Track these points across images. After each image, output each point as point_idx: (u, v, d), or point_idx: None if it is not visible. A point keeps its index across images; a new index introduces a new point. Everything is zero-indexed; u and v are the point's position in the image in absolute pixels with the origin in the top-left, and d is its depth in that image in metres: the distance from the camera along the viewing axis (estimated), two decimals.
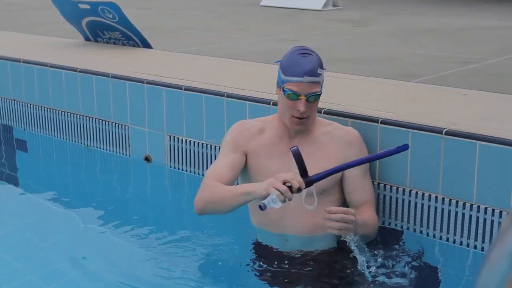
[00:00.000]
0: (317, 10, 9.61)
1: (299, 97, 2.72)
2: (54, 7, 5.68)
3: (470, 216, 2.91)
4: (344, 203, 2.91)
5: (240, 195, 2.68)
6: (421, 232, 3.06)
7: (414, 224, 3.08)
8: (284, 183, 2.53)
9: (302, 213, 2.82)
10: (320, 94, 2.76)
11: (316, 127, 2.90)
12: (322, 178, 2.62)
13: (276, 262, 2.83)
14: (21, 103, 4.83)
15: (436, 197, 2.98)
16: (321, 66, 2.75)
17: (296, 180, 2.53)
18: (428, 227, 3.04)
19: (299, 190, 2.55)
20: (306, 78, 2.71)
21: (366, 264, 2.71)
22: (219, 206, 2.77)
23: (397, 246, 3.03)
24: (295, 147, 2.58)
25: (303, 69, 2.70)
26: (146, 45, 5.30)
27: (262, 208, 2.49)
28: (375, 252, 2.96)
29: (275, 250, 2.90)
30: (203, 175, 3.81)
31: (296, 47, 2.83)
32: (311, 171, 2.63)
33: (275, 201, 2.49)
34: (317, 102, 2.80)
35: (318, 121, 2.93)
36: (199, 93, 3.80)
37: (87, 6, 5.22)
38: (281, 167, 2.82)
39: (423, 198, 3.02)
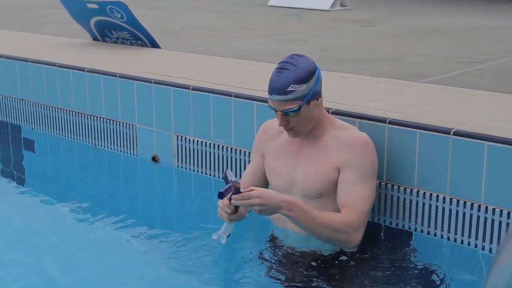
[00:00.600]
0: (324, 10, 9.60)
1: (277, 112, 2.77)
2: (62, 7, 5.69)
3: (478, 217, 2.90)
4: None
5: None
6: (428, 232, 3.05)
7: (422, 224, 3.07)
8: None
9: None
10: (297, 109, 2.74)
11: (328, 131, 2.89)
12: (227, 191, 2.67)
13: (279, 255, 2.90)
14: (29, 102, 4.85)
15: (444, 197, 2.97)
16: (298, 82, 2.71)
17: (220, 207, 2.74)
18: (435, 228, 3.03)
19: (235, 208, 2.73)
20: (274, 96, 2.75)
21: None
22: None
23: (404, 247, 3.03)
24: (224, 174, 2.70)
25: (271, 87, 2.74)
26: (154, 45, 5.31)
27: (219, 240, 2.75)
28: (382, 252, 2.96)
29: (281, 244, 2.95)
30: (210, 175, 3.83)
31: (282, 60, 2.80)
32: (307, 173, 2.85)
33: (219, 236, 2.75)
34: (303, 115, 2.78)
35: (333, 125, 2.91)
36: (206, 93, 3.80)
37: (96, 6, 5.23)
38: (286, 168, 2.91)
39: (430, 199, 3.01)
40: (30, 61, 4.80)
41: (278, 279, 2.76)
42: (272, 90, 2.73)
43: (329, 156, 2.84)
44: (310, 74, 2.74)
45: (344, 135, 2.88)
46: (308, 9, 9.65)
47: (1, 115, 5.08)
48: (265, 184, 3.04)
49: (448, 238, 3.00)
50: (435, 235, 3.04)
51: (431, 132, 2.96)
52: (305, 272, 2.77)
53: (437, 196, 2.99)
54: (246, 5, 10.27)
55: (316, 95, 2.78)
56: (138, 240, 3.21)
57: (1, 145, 4.91)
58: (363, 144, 2.85)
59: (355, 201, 2.78)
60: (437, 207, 3.00)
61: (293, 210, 2.67)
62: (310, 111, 2.78)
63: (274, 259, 2.92)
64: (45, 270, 2.90)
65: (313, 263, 2.81)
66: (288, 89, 2.71)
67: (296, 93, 2.72)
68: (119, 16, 5.16)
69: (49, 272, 2.89)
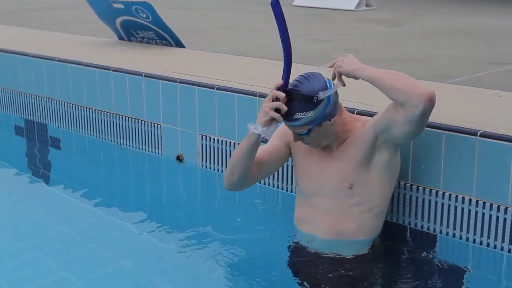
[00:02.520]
0: (349, 10, 9.58)
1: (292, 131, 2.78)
2: (89, 6, 5.73)
3: (505, 219, 2.87)
4: (376, 203, 2.88)
5: (245, 138, 2.78)
6: (454, 235, 3.03)
7: (447, 227, 3.04)
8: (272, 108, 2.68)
9: (330, 214, 2.87)
10: (307, 132, 2.72)
11: (355, 127, 2.87)
12: (287, 76, 2.68)
13: (303, 260, 2.89)
14: (55, 101, 4.89)
15: (470, 199, 2.95)
16: (304, 110, 2.67)
17: (272, 94, 2.70)
18: (461, 230, 3.01)
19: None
20: (283, 121, 2.73)
21: None
22: (233, 163, 2.85)
23: (429, 249, 3.01)
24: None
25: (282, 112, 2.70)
26: (179, 44, 5.33)
27: (263, 141, 2.70)
28: (407, 254, 2.95)
29: (305, 248, 2.94)
30: None
31: (294, 79, 2.75)
32: (336, 171, 2.84)
33: (255, 127, 2.70)
34: (316, 135, 2.75)
35: (358, 122, 2.90)
36: (231, 93, 3.80)
37: (121, 6, 5.26)
38: (315, 170, 2.90)
39: (456, 201, 2.99)
40: (57, 60, 4.84)
41: (302, 283, 2.76)
42: (282, 115, 2.70)
43: (356, 141, 2.82)
44: (317, 101, 2.68)
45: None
46: (333, 9, 9.63)
47: (28, 114, 5.13)
48: (272, 165, 3.00)
49: (474, 241, 2.97)
50: (461, 237, 3.01)
51: (457, 134, 2.93)
52: (329, 276, 2.77)
53: (463, 198, 2.96)
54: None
55: (327, 117, 2.73)
56: (162, 239, 3.23)
57: (28, 144, 4.96)
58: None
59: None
60: (462, 209, 2.98)
61: (368, 68, 2.73)
62: (323, 131, 2.77)
63: (299, 263, 2.91)
64: (70, 267, 2.93)
65: (338, 268, 2.80)
66: (294, 117, 2.69)
67: (303, 120, 2.70)
68: (144, 16, 5.18)
69: (74, 268, 2.92)
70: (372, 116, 3.07)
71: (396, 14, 9.26)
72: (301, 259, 2.92)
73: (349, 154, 2.82)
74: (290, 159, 3.06)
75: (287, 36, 2.67)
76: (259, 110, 3.62)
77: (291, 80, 2.73)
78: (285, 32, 2.66)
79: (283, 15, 2.63)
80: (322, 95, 2.69)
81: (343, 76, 2.78)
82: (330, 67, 2.80)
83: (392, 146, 2.79)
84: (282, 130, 2.96)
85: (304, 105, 2.67)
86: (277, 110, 2.68)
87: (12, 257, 3.04)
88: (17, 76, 5.16)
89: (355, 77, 2.76)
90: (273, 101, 2.69)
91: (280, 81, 2.70)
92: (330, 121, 2.75)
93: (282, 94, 2.68)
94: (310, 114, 2.69)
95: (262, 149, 2.90)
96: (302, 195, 2.98)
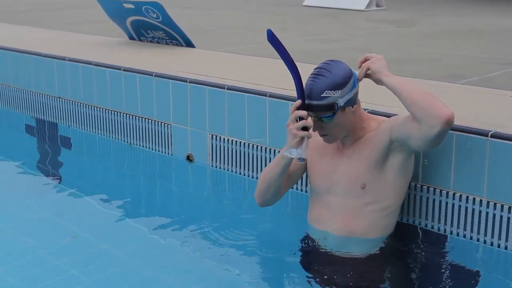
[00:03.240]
0: (360, 10, 9.56)
1: (312, 117, 2.76)
2: (99, 6, 5.75)
3: None
4: (389, 203, 2.87)
5: (277, 160, 2.87)
6: (464, 236, 3.02)
7: (458, 227, 3.03)
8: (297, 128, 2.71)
9: (342, 213, 2.87)
10: (331, 116, 2.72)
11: (369, 129, 2.86)
12: (302, 93, 2.70)
13: (315, 257, 2.90)
14: (66, 100, 4.91)
15: (481, 200, 2.93)
16: (332, 88, 2.69)
17: (294, 114, 2.72)
18: (471, 231, 3.00)
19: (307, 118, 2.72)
20: (308, 101, 2.73)
21: None
22: (267, 183, 2.95)
23: (440, 249, 3.00)
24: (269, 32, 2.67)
25: (306, 93, 2.72)
26: (189, 44, 5.34)
27: (301, 161, 2.74)
28: (418, 254, 2.94)
29: (318, 246, 2.94)
30: (245, 175, 3.84)
31: (317, 66, 2.78)
32: (349, 170, 2.84)
33: (290, 152, 2.72)
34: (338, 121, 2.76)
35: (373, 121, 2.89)
36: (241, 93, 3.81)
37: (132, 6, 5.27)
38: (327, 168, 2.90)
39: (467, 201, 2.98)
40: (68, 60, 4.86)
41: (314, 280, 2.76)
42: (307, 96, 2.71)
43: (371, 142, 2.82)
44: (345, 81, 2.72)
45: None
46: (343, 9, 9.62)
47: (39, 113, 5.14)
48: (298, 172, 3.04)
49: (485, 242, 2.96)
50: (471, 238, 3.00)
51: (468, 134, 2.92)
52: (341, 274, 2.77)
53: (474, 198, 2.95)
54: (281, 5, 10.26)
55: (351, 101, 2.75)
56: (172, 238, 3.23)
57: (39, 143, 4.98)
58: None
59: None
60: (473, 210, 2.97)
61: (393, 76, 2.76)
62: (345, 118, 2.76)
63: (310, 260, 2.92)
64: (79, 266, 2.94)
65: (351, 266, 2.81)
66: (322, 95, 2.69)
67: (330, 99, 2.70)
68: (154, 16, 5.19)
69: (84, 267, 2.93)
70: (381, 117, 3.07)
71: (406, 14, 9.24)
72: (313, 257, 2.93)
73: (362, 154, 2.81)
74: None
75: (292, 62, 2.69)
76: (269, 110, 3.65)
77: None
78: (289, 59, 2.68)
79: (281, 44, 2.66)
80: (349, 73, 2.74)
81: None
82: (362, 61, 2.83)
83: (406, 150, 2.79)
84: None
85: (332, 83, 2.69)
86: (304, 128, 2.71)
87: (22, 256, 3.05)
88: (28, 75, 5.18)
89: (378, 81, 2.78)
90: (296, 121, 2.72)
91: (298, 101, 2.72)
92: (352, 107, 2.76)
93: (304, 112, 2.71)
94: (337, 93, 2.70)
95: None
96: (315, 194, 2.98)
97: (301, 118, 2.71)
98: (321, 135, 2.82)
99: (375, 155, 2.79)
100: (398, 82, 2.73)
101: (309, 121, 2.72)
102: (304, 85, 2.74)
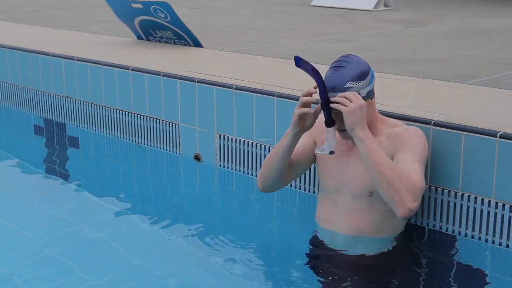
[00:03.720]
0: (368, 10, 9.54)
1: (333, 111, 2.73)
2: (108, 6, 5.76)
3: None
4: None
5: (280, 141, 2.86)
6: (473, 236, 3.01)
7: (466, 228, 3.02)
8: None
9: (350, 213, 2.86)
10: None
11: (380, 130, 2.85)
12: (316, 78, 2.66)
13: (324, 257, 2.90)
14: (74, 100, 4.92)
15: (489, 201, 2.92)
16: (355, 79, 2.69)
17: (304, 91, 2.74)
18: (480, 232, 2.99)
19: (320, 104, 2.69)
20: (331, 94, 2.70)
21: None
22: (268, 166, 2.93)
23: (448, 250, 2.99)
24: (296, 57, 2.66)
25: (329, 86, 2.71)
26: (197, 44, 5.34)
27: (330, 153, 2.72)
28: (426, 255, 2.93)
29: (326, 246, 2.93)
30: (252, 175, 3.84)
31: (336, 59, 2.79)
32: (357, 173, 2.82)
33: (322, 149, 2.73)
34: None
35: (384, 123, 2.88)
36: (249, 93, 3.81)
37: (140, 6, 5.28)
38: (336, 167, 2.89)
39: (475, 202, 2.97)
40: (76, 60, 4.87)
41: (324, 280, 2.76)
42: (329, 88, 2.69)
43: None
44: (365, 73, 2.73)
45: (395, 129, 2.85)
46: (352, 9, 9.60)
47: (47, 113, 5.16)
48: (303, 164, 3.02)
49: (493, 242, 2.95)
50: (480, 239, 2.99)
51: (477, 134, 2.91)
52: (349, 273, 2.77)
53: (482, 199, 2.94)
54: (289, 5, 10.26)
55: (371, 94, 2.76)
56: (179, 238, 3.23)
57: (47, 142, 4.99)
58: (415, 131, 2.84)
59: (413, 172, 2.67)
60: (482, 210, 2.96)
61: (369, 138, 2.65)
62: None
63: (319, 259, 2.92)
64: (87, 266, 2.94)
65: (360, 265, 2.80)
66: (346, 86, 2.69)
67: (354, 90, 2.69)
68: (163, 16, 5.20)
69: (92, 266, 2.93)
70: (391, 118, 3.06)
71: (415, 14, 9.22)
72: (322, 257, 2.92)
73: None
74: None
75: (319, 75, 2.68)
76: (277, 110, 3.65)
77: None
78: (317, 74, 2.67)
79: (310, 65, 2.66)
80: (367, 65, 2.76)
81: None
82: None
83: None
84: (312, 129, 2.95)
85: (355, 74, 2.70)
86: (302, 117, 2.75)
87: (29, 255, 3.06)
88: (36, 75, 5.20)
89: (349, 131, 2.70)
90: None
91: (306, 90, 2.73)
92: (371, 100, 2.77)
93: (310, 98, 2.72)
94: (360, 84, 2.71)
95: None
96: (324, 192, 2.98)
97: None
98: (340, 130, 2.78)
99: None
100: (368, 151, 2.63)
101: (312, 98, 2.72)
102: (325, 78, 2.72)
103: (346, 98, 2.64)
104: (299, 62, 2.65)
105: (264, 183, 2.99)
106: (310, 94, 2.72)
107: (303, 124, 2.77)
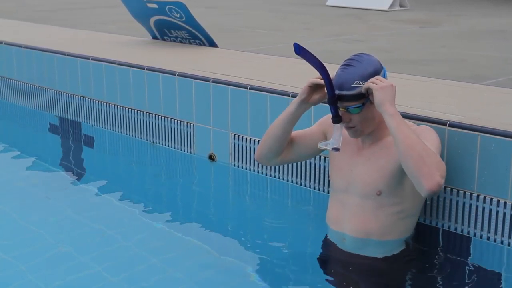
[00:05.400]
0: (383, 11, 9.51)
1: (340, 108, 2.73)
2: (123, 6, 5.78)
3: None
4: (406, 206, 2.84)
5: (285, 109, 2.89)
6: (488, 238, 2.99)
7: (481, 229, 3.01)
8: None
9: (359, 214, 2.85)
10: (360, 106, 2.70)
11: (388, 132, 2.83)
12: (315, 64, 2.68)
13: (335, 259, 2.91)
14: (89, 99, 4.94)
15: (505, 202, 2.90)
16: (363, 78, 2.68)
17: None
18: (495, 233, 2.97)
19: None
20: (338, 91, 2.70)
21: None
22: (270, 130, 2.96)
23: (463, 252, 2.98)
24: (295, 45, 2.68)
25: (336, 83, 2.71)
26: (212, 44, 5.34)
27: (335, 150, 2.74)
28: (440, 256, 2.91)
29: (336, 247, 2.93)
30: (266, 175, 3.84)
31: (348, 57, 2.78)
32: (365, 172, 2.81)
33: (326, 143, 2.75)
34: (366, 114, 2.73)
35: None
36: (264, 93, 3.80)
37: (155, 6, 5.29)
38: (345, 166, 2.88)
39: (491, 204, 2.95)
40: (91, 59, 4.89)
41: (335, 282, 2.75)
42: (336, 86, 2.70)
43: (389, 151, 2.78)
44: (376, 71, 2.71)
45: None
46: (367, 9, 9.58)
47: (63, 112, 5.18)
48: (304, 147, 3.03)
49: (509, 244, 2.93)
50: (495, 240, 2.97)
51: (493, 135, 2.89)
52: (359, 276, 2.76)
53: (498, 201, 2.93)
54: (304, 5, 10.25)
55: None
56: (193, 237, 3.24)
57: (62, 141, 5.01)
58: (428, 128, 2.83)
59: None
60: (497, 212, 2.94)
61: (399, 115, 2.63)
62: (373, 111, 2.73)
63: (329, 261, 2.91)
64: (101, 263, 2.96)
65: (371, 268, 2.79)
66: (352, 85, 2.68)
67: (360, 90, 2.69)
68: (178, 15, 5.21)
69: (107, 264, 2.95)
70: (406, 118, 3.05)
71: (430, 14, 9.18)
72: (332, 258, 2.92)
73: (378, 163, 2.77)
74: (325, 158, 3.05)
75: (322, 66, 2.69)
76: None
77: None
78: (319, 64, 2.68)
79: (309, 53, 2.67)
80: (379, 66, 2.74)
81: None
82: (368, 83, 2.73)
83: None
84: (323, 121, 3.00)
85: (363, 74, 2.69)
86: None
87: (44, 253, 3.08)
88: (52, 74, 5.22)
89: (378, 107, 2.68)
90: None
91: (313, 79, 2.78)
92: None
93: (317, 80, 2.77)
94: (366, 84, 2.69)
95: (298, 130, 3.00)
96: (334, 191, 2.97)
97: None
98: (348, 128, 2.78)
99: (391, 166, 2.76)
100: (398, 125, 2.61)
101: (319, 80, 2.75)
102: (335, 75, 2.73)
103: (378, 80, 2.66)
104: (298, 50, 2.65)
105: (261, 151, 3.01)
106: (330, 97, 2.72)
107: (311, 95, 2.79)
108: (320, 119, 3.05)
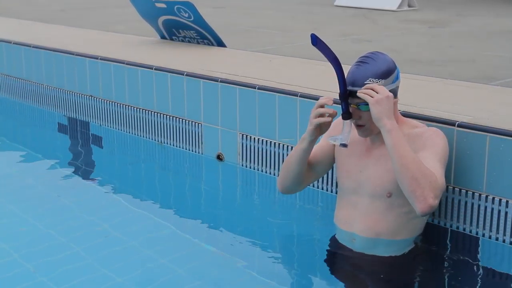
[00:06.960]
0: (391, 11, 9.49)
1: (351, 105, 2.72)
2: (132, 6, 5.79)
3: None
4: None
5: (297, 145, 2.88)
6: (497, 238, 2.98)
7: (490, 230, 3.00)
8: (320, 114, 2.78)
9: (369, 214, 2.84)
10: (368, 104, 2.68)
11: (401, 130, 2.82)
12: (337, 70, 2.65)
13: (343, 259, 2.90)
14: (98, 99, 4.95)
15: None
16: (376, 76, 2.67)
17: (320, 100, 2.79)
18: (504, 234, 2.96)
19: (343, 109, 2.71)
20: (350, 87, 2.70)
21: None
22: (286, 168, 2.96)
23: (471, 252, 2.97)
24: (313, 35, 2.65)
25: (349, 80, 2.71)
26: (221, 44, 5.35)
27: (343, 146, 2.73)
28: (448, 256, 2.91)
29: (345, 247, 2.92)
30: (275, 175, 3.84)
31: (362, 55, 2.77)
32: (375, 174, 2.80)
33: (335, 139, 2.74)
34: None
35: (405, 124, 2.84)
36: (272, 93, 3.80)
37: (164, 5, 5.30)
38: (354, 167, 2.87)
39: (499, 204, 2.94)
40: (100, 59, 4.90)
41: (344, 283, 2.75)
42: (349, 82, 2.69)
43: None
44: (389, 71, 2.71)
45: (415, 130, 2.82)
46: (375, 9, 9.56)
47: (71, 111, 5.19)
48: (322, 165, 3.03)
49: None
50: (504, 241, 2.96)
51: (502, 136, 2.88)
52: (368, 276, 2.76)
53: (507, 201, 2.92)
54: (312, 5, 10.24)
55: (393, 93, 2.72)
56: (201, 237, 3.24)
57: (71, 141, 5.02)
58: (436, 131, 2.81)
59: (434, 171, 2.64)
60: (506, 213, 2.93)
61: (396, 130, 2.62)
62: None
63: (338, 261, 2.91)
64: (109, 263, 2.96)
65: (380, 267, 2.79)
66: (365, 82, 2.67)
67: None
68: (186, 15, 5.21)
69: (115, 264, 2.95)
70: (415, 118, 3.04)
71: (439, 14, 9.16)
72: (341, 257, 2.92)
73: (388, 163, 2.75)
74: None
75: (337, 60, 2.67)
76: (300, 110, 3.65)
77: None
78: (334, 57, 2.67)
79: (327, 47, 2.66)
80: (393, 65, 2.73)
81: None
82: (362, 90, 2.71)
83: None
84: (331, 128, 2.95)
85: (377, 71, 2.68)
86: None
87: (53, 253, 3.08)
88: (60, 74, 5.24)
89: (375, 122, 2.68)
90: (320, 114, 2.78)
91: (322, 99, 2.79)
92: (394, 98, 2.73)
93: (325, 110, 2.76)
94: (381, 82, 2.69)
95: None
96: (342, 193, 2.97)
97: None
98: (357, 126, 2.77)
99: None
100: (394, 144, 2.61)
101: (327, 109, 2.75)
102: (348, 71, 2.72)
103: (372, 90, 2.63)
104: (316, 41, 2.64)
105: (284, 185, 3.01)
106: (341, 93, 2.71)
107: (319, 131, 2.80)
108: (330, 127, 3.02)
